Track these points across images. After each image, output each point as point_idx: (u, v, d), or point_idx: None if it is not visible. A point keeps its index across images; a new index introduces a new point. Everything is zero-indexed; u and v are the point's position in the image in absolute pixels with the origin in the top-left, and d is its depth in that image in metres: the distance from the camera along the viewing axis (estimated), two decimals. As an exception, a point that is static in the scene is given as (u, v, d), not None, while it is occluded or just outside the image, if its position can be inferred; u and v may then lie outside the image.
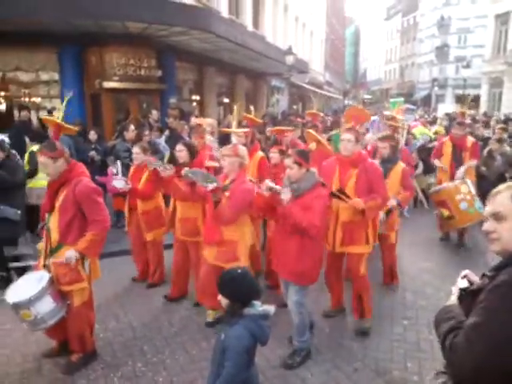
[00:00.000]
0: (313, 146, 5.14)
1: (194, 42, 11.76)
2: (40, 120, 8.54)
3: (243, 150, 3.93)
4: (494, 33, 26.18)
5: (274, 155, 4.97)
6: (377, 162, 4.73)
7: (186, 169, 3.95)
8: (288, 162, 3.43)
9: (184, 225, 4.48)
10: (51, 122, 3.74)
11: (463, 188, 5.94)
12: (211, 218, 3.85)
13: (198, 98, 16.01)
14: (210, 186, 3.61)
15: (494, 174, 6.69)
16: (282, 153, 4.84)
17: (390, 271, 5.16)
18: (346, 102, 43.22)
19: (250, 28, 17.86)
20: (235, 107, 5.14)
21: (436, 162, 6.94)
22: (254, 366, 2.47)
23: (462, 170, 6.37)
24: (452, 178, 6.44)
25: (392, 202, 4.55)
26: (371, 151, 5.67)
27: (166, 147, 7.46)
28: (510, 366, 1.30)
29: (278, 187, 3.35)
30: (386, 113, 9.21)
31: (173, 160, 4.56)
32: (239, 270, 2.48)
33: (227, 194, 3.72)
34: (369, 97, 36.79)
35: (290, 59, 17.33)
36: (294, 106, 27.23)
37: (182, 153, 4.46)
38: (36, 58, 10.90)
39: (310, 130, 5.30)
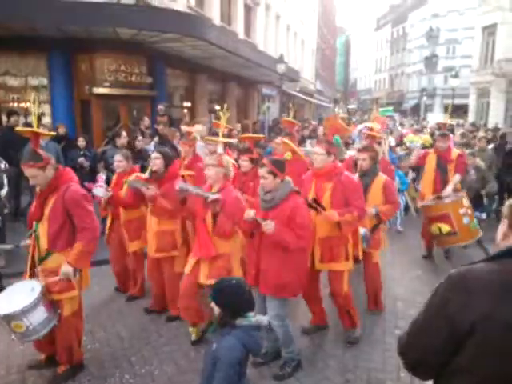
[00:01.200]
0: (288, 155, 5.01)
1: (186, 48, 11.76)
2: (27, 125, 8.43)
3: (228, 160, 3.86)
4: (481, 44, 26.59)
5: (244, 163, 4.92)
6: (355, 175, 4.62)
7: (181, 183, 3.87)
8: (262, 171, 3.32)
9: (161, 238, 4.29)
10: (26, 132, 3.56)
11: (464, 201, 5.56)
12: (205, 233, 3.70)
13: (189, 104, 15.98)
14: (212, 197, 3.53)
15: (469, 191, 6.59)
16: (252, 161, 4.83)
17: (374, 295, 4.71)
18: (336, 110, 43.58)
19: (242, 36, 17.94)
20: (222, 114, 5.08)
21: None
22: (245, 377, 2.41)
23: (449, 189, 5.93)
24: (435, 191, 6.07)
25: (371, 211, 4.29)
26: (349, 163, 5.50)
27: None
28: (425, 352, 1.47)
29: (259, 219, 3.24)
30: (368, 124, 9.28)
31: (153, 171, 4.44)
32: (234, 281, 2.42)
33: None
34: (353, 106, 37.00)
35: (281, 67, 17.40)
36: (284, 114, 27.31)
37: (157, 160, 4.28)
38: (25, 63, 10.81)
39: (286, 140, 5.16)
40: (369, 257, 4.53)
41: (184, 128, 6.50)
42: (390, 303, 4.93)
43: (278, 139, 5.88)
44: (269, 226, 3.16)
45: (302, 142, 10.78)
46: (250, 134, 6.21)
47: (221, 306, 2.32)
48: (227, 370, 2.20)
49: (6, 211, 5.72)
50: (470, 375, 1.40)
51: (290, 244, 3.21)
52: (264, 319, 2.40)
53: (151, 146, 7.72)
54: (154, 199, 4.10)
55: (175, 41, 10.70)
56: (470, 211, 5.54)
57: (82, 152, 7.34)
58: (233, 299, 2.32)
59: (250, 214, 3.29)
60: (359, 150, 4.71)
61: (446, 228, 5.51)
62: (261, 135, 6.09)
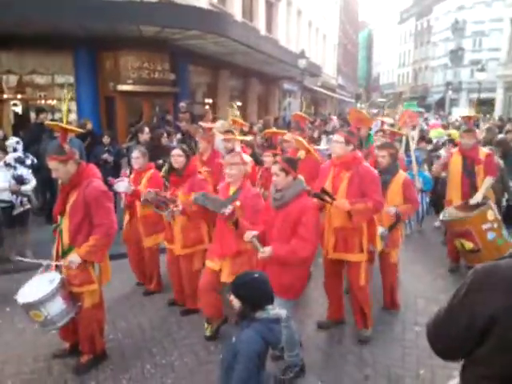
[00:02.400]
0: (302, 154, 4.89)
1: (208, 45, 11.83)
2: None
3: (247, 157, 3.89)
4: (509, 36, 25.84)
5: (267, 159, 4.92)
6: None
7: (195, 195, 3.82)
8: (275, 168, 3.31)
9: (187, 234, 4.31)
10: (54, 126, 3.71)
11: (489, 215, 4.89)
12: (226, 231, 3.72)
13: (210, 101, 16.08)
14: (227, 211, 3.49)
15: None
16: (276, 156, 4.71)
17: (391, 295, 4.63)
18: (358, 105, 43.09)
19: (264, 32, 17.91)
20: (232, 109, 5.09)
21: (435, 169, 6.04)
22: (264, 370, 2.44)
23: (479, 195, 5.26)
24: (464, 197, 5.41)
25: (390, 211, 4.21)
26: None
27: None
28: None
29: (256, 244, 3.23)
30: (386, 119, 9.02)
31: (172, 168, 4.43)
32: (256, 274, 2.46)
33: (238, 203, 3.61)
34: (383, 100, 36.41)
35: (302, 63, 17.33)
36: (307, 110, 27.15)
37: (180, 158, 4.29)
38: (51, 61, 11.06)
39: (299, 138, 5.05)
40: (387, 257, 4.46)
41: (203, 124, 6.50)
42: (411, 300, 4.89)
43: (288, 135, 5.81)
44: (264, 254, 3.16)
45: (318, 138, 10.74)
46: (273, 129, 6.17)
47: (242, 299, 2.35)
48: (247, 363, 2.24)
49: (28, 206, 5.89)
50: (488, 366, 1.45)
51: (288, 261, 3.18)
52: (283, 312, 2.43)
53: (174, 143, 7.82)
54: (183, 213, 4.12)
55: (198, 38, 10.78)
56: (496, 224, 4.87)
57: (106, 148, 7.49)
58: (254, 292, 2.35)
59: (249, 235, 3.26)
60: (378, 147, 4.62)
61: (468, 245, 4.98)
62: (284, 131, 6.09)
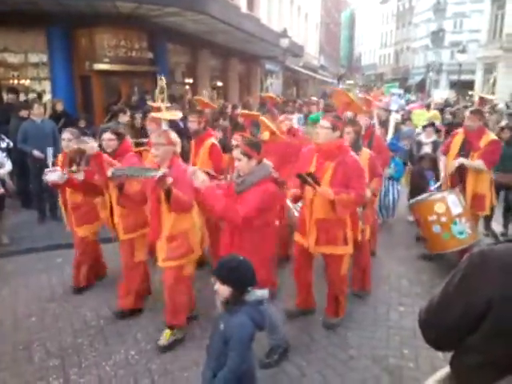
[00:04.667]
0: (266, 135, 4.64)
1: (188, 23, 11.51)
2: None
3: (175, 136, 3.56)
4: (490, 17, 25.96)
5: (235, 142, 4.61)
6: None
7: (112, 169, 3.45)
8: (236, 153, 3.10)
9: (126, 218, 3.97)
10: None
11: (438, 207, 4.73)
12: (157, 214, 3.46)
13: (191, 81, 15.76)
14: (159, 174, 3.11)
15: None
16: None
17: (363, 275, 4.49)
18: (340, 86, 42.99)
19: (245, 10, 17.52)
20: (159, 82, 4.69)
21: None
22: (251, 351, 2.44)
23: (456, 161, 4.89)
24: (452, 186, 5.08)
25: (368, 194, 4.04)
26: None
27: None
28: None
29: (203, 177, 3.07)
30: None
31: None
32: (240, 257, 2.41)
33: (170, 179, 3.25)
34: (351, 82, 36.00)
35: (284, 42, 17.10)
36: (288, 91, 26.97)
37: (111, 142, 3.98)
38: (24, 39, 10.61)
39: (263, 118, 4.75)
40: (362, 234, 4.26)
41: (151, 103, 5.90)
42: (395, 281, 4.93)
43: (282, 116, 5.60)
44: (198, 178, 3.03)
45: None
46: (247, 111, 5.84)
47: (232, 284, 2.29)
48: (241, 348, 2.24)
49: (1, 190, 5.62)
50: (481, 354, 1.42)
51: (215, 208, 2.99)
52: (265, 292, 2.41)
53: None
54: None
55: (176, 15, 10.45)
56: (445, 218, 4.68)
57: (82, 130, 7.24)
58: (244, 276, 2.32)
59: (194, 171, 3.14)
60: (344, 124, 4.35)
61: (420, 231, 5.07)
62: (257, 114, 5.75)
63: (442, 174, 5.35)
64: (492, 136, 5.02)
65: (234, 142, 4.69)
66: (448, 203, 4.73)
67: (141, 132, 6.77)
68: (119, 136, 4.06)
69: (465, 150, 4.98)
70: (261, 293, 2.38)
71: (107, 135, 4.02)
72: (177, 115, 5.09)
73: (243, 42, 15.68)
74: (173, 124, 6.93)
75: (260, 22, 18.05)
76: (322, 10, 35.48)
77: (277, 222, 3.45)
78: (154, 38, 11.78)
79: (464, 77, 25.50)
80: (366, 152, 4.34)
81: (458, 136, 5.16)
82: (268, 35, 16.20)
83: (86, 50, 10.86)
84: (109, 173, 3.44)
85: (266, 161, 3.20)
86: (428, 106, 12.15)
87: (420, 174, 6.27)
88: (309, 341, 3.76)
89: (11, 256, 5.54)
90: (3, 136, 6.12)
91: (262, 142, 3.42)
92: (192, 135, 5.09)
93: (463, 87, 25.82)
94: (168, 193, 3.21)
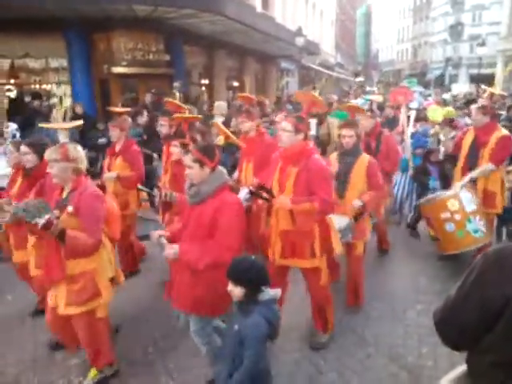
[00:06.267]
0: (220, 140, 4.41)
1: (203, 24, 11.61)
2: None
3: (76, 151, 2.94)
4: (510, 9, 25.40)
5: (174, 150, 4.25)
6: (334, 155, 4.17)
7: (14, 205, 2.92)
8: (187, 159, 2.76)
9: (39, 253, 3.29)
10: None
11: (451, 204, 4.54)
12: (52, 251, 2.84)
13: (207, 82, 15.88)
14: (41, 222, 2.56)
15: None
16: (185, 147, 3.83)
17: (355, 290, 4.22)
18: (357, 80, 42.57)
19: (260, 9, 17.55)
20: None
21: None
22: (266, 351, 2.46)
23: (465, 180, 4.71)
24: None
25: (356, 203, 3.77)
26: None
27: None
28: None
29: (162, 240, 2.79)
30: (376, 97, 8.56)
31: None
32: (252, 257, 2.44)
33: (70, 208, 2.80)
34: (360, 79, 35.06)
35: (300, 41, 17.06)
36: (304, 89, 26.87)
37: (27, 156, 3.48)
38: (44, 45, 10.88)
39: (216, 121, 4.46)
40: (352, 248, 4.03)
41: (112, 108, 5.56)
42: (413, 278, 4.89)
43: (279, 116, 5.20)
44: (170, 251, 2.70)
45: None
46: (186, 115, 4.89)
47: (246, 284, 2.31)
48: (257, 347, 2.26)
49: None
50: (497, 353, 1.41)
51: (198, 266, 2.65)
52: (278, 291, 2.44)
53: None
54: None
55: (192, 17, 10.56)
56: (459, 216, 4.51)
57: (100, 134, 7.40)
58: (258, 275, 2.33)
59: (154, 235, 2.87)
60: (345, 126, 4.04)
61: (431, 232, 4.89)
62: (198, 116, 5.22)
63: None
64: (503, 132, 4.81)
65: (171, 149, 4.33)
66: (461, 200, 4.55)
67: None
68: (37, 149, 3.47)
69: (474, 148, 4.78)
70: (274, 292, 2.39)
71: (22, 148, 3.53)
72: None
73: (259, 42, 15.71)
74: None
75: (275, 21, 18.06)
76: (337, 7, 35.26)
77: None
78: (170, 40, 11.92)
79: (484, 70, 24.99)
80: (364, 158, 3.96)
81: (469, 134, 4.97)
82: (283, 34, 16.20)
83: (103, 54, 11.08)
84: (11, 209, 2.83)
85: (220, 167, 2.90)
86: (444, 102, 11.84)
87: (424, 169, 6.08)
88: (326, 339, 3.76)
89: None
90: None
91: (217, 148, 3.03)
92: (163, 140, 4.88)
93: (483, 81, 25.32)
94: (61, 236, 2.67)
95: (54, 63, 11.40)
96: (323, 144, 7.08)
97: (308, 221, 3.20)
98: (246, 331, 2.27)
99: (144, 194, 4.93)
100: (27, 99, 10.21)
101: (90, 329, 3.08)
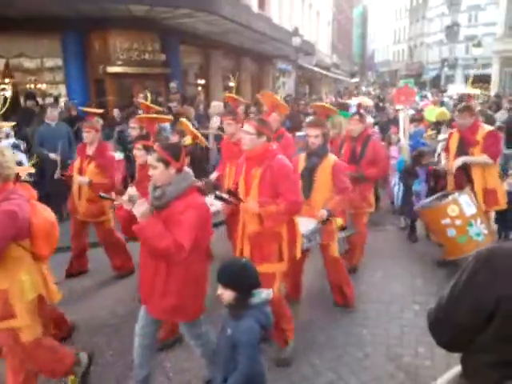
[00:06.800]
0: (188, 140, 4.24)
1: (199, 24, 11.59)
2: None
3: (1, 155, 2.59)
4: (506, 9, 25.50)
5: (138, 152, 4.13)
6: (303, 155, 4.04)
7: None
8: (151, 159, 2.62)
9: None
10: None
11: (451, 210, 4.43)
12: None
13: (203, 82, 15.85)
14: None
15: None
16: (148, 149, 3.60)
17: (340, 290, 4.15)
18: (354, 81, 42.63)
19: (256, 9, 17.54)
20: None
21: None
22: (260, 354, 2.41)
23: (460, 159, 4.68)
24: (457, 187, 4.81)
25: (322, 214, 3.63)
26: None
27: (171, 131, 7.45)
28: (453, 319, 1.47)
29: (135, 196, 2.61)
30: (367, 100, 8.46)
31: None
32: (243, 259, 2.40)
33: None
34: (356, 80, 34.69)
35: (296, 41, 17.07)
36: (300, 89, 26.89)
37: None
38: (39, 44, 10.84)
39: (184, 120, 4.25)
40: (326, 249, 3.97)
41: (85, 109, 5.43)
42: (408, 279, 4.89)
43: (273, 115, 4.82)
44: (138, 207, 2.50)
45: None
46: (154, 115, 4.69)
47: (237, 288, 2.25)
48: (251, 352, 2.22)
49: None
50: (491, 353, 1.41)
51: (163, 248, 2.48)
52: (270, 292, 2.37)
53: (166, 125, 7.70)
54: None
55: (188, 16, 10.54)
56: (460, 222, 4.41)
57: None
58: (248, 278, 2.29)
59: (129, 191, 2.76)
60: (310, 125, 3.93)
61: (434, 237, 4.74)
62: (166, 117, 5.01)
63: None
64: (487, 128, 4.85)
65: (134, 152, 4.25)
66: (461, 204, 4.45)
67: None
68: None
69: (463, 149, 4.77)
70: (265, 294, 2.33)
71: None
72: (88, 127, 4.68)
73: (255, 42, 15.71)
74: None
75: (271, 21, 18.05)
76: (333, 7, 35.30)
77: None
78: (166, 39, 11.89)
79: (480, 71, 25.08)
80: (330, 158, 3.86)
81: (454, 136, 4.97)
82: (280, 34, 16.20)
83: (99, 54, 11.03)
84: None
85: (186, 168, 2.79)
86: (441, 103, 11.89)
87: (409, 171, 5.96)
88: (323, 339, 3.76)
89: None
90: (19, 141, 6.26)
91: (183, 147, 2.92)
92: (133, 142, 4.70)
93: (479, 81, 25.40)
94: None
95: (49, 63, 11.35)
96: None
97: (276, 223, 3.13)
98: (238, 336, 2.22)
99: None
100: (22, 99, 10.16)
101: (17, 353, 2.78)
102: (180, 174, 2.65)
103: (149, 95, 5.19)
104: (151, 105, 4.72)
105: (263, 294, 2.32)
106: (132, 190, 2.71)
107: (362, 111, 5.10)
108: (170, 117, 4.79)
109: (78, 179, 4.62)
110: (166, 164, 2.59)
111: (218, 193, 3.26)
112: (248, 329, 2.22)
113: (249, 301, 2.27)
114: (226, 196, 3.19)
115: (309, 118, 4.34)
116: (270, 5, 19.81)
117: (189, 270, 2.65)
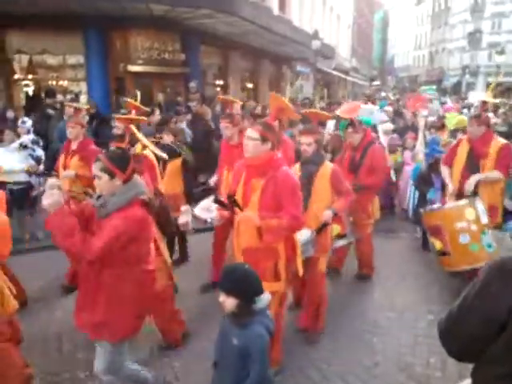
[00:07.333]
0: (138, 148, 4.06)
1: (219, 25, 11.64)
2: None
3: None
4: (531, 17, 25.00)
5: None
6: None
7: None
8: (95, 168, 2.47)
9: None
10: None
11: (468, 213, 4.13)
12: None
13: (221, 82, 15.91)
14: None
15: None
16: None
17: (316, 310, 3.82)
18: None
19: (277, 12, 17.54)
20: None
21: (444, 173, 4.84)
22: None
23: (472, 180, 4.39)
24: (461, 196, 4.51)
25: (327, 214, 3.53)
26: None
27: (188, 132, 7.51)
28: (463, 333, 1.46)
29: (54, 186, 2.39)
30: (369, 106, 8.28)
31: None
32: (245, 265, 2.31)
33: None
34: (377, 83, 34.06)
35: (316, 44, 17.03)
36: (318, 93, 26.79)
37: None
38: (62, 42, 11.01)
39: (132, 127, 4.02)
40: (314, 262, 3.66)
41: (69, 103, 5.44)
42: (423, 288, 4.82)
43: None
44: (52, 196, 2.33)
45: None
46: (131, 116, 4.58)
47: (240, 295, 2.16)
48: (263, 359, 2.16)
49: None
50: (502, 365, 1.38)
51: (62, 244, 2.37)
52: (269, 296, 2.30)
53: (183, 124, 7.75)
54: None
55: (209, 17, 10.59)
56: (475, 227, 4.11)
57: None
58: (251, 284, 2.21)
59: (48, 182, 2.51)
60: (302, 133, 3.80)
61: (438, 245, 4.34)
62: (142, 118, 4.69)
63: (450, 186, 4.68)
64: (501, 141, 4.63)
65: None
66: (477, 209, 4.19)
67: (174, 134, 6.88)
68: None
69: (473, 160, 4.52)
70: (266, 297, 2.27)
71: None
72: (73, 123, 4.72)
73: (274, 44, 15.71)
74: (202, 122, 6.90)
75: (291, 23, 18.04)
76: (354, 11, 35.12)
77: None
78: (186, 39, 11.97)
79: (503, 79, 24.61)
80: (327, 166, 3.71)
81: (462, 145, 4.70)
82: (299, 37, 16.19)
83: (120, 52, 11.15)
84: None
85: (137, 178, 2.60)
86: (458, 109, 11.66)
87: (425, 178, 5.85)
88: (334, 345, 3.72)
89: (46, 250, 5.73)
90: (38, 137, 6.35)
91: (133, 156, 2.74)
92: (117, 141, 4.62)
93: (502, 90, 24.93)
94: None
95: (71, 60, 11.53)
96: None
97: (276, 238, 2.93)
98: (249, 344, 2.14)
99: None
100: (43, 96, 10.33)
101: None
102: (126, 185, 2.48)
103: (138, 94, 5.07)
104: (139, 105, 4.64)
105: (265, 298, 2.25)
106: (52, 181, 2.46)
107: (356, 120, 4.75)
108: (145, 118, 4.51)
109: (63, 174, 4.66)
110: (111, 175, 2.44)
111: (217, 196, 3.07)
112: (259, 336, 2.16)
113: (252, 307, 2.19)
114: (225, 202, 3.01)
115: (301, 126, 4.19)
116: (290, 7, 19.79)
117: (118, 286, 2.47)
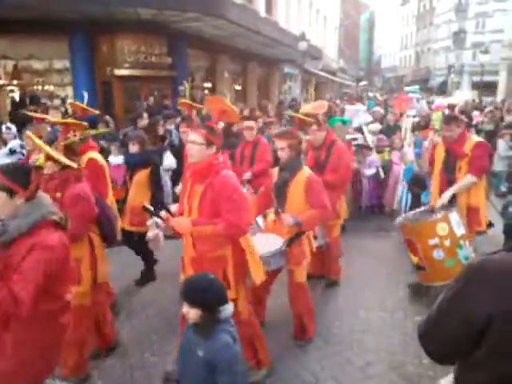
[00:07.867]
0: (40, 159, 3.54)
1: (207, 28, 11.65)
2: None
3: None
4: (514, 17, 25.44)
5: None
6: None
7: None
8: None
9: None
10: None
11: (440, 228, 3.85)
12: None
13: (209, 85, 15.90)
14: None
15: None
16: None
17: (300, 321, 3.72)
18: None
19: (263, 14, 17.60)
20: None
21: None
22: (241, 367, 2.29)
23: (445, 196, 4.24)
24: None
25: (287, 221, 3.29)
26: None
27: (177, 134, 7.47)
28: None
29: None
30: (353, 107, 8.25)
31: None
32: (210, 275, 2.22)
33: None
34: (347, 90, 34.48)
35: (303, 45, 17.11)
36: (305, 94, 26.94)
37: None
38: (48, 46, 10.94)
39: (29, 133, 3.73)
40: (290, 275, 3.57)
41: (32, 114, 5.03)
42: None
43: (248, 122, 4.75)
44: None
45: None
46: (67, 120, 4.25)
47: (204, 306, 2.08)
48: (233, 369, 2.07)
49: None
50: (486, 371, 1.37)
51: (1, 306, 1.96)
52: (232, 305, 2.22)
53: (172, 127, 7.72)
54: None
55: (196, 20, 10.60)
56: (449, 242, 3.84)
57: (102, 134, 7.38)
58: (217, 296, 2.12)
59: None
60: (275, 137, 3.63)
61: (414, 259, 4.11)
62: (80, 122, 4.17)
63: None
64: (476, 139, 4.53)
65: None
66: (451, 223, 3.90)
67: (162, 138, 6.86)
68: None
69: (450, 161, 4.43)
70: (231, 306, 2.19)
71: None
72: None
73: (262, 46, 15.76)
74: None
75: (278, 25, 18.11)
76: (340, 13, 35.38)
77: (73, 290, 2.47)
78: (173, 43, 11.96)
79: (487, 78, 24.98)
80: (303, 173, 3.46)
81: (439, 147, 4.62)
82: (286, 39, 16.26)
83: (107, 56, 11.11)
84: None
85: (42, 194, 2.25)
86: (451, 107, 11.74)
87: (418, 178, 5.76)
88: (326, 345, 3.73)
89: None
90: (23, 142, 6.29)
91: (33, 169, 2.32)
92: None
93: (486, 88, 25.30)
94: None
95: (57, 64, 11.44)
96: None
97: (208, 245, 2.78)
98: (215, 355, 2.05)
99: None
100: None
101: None
102: (30, 204, 2.14)
103: (85, 95, 4.85)
104: (88, 108, 4.44)
105: (229, 306, 2.17)
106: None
107: (320, 118, 4.59)
108: (86, 124, 4.05)
109: None
110: (10, 193, 2.09)
111: (145, 204, 2.88)
112: (225, 346, 2.07)
113: (217, 316, 2.10)
114: (152, 210, 2.85)
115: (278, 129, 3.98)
116: (277, 9, 19.86)
117: (35, 330, 2.12)
